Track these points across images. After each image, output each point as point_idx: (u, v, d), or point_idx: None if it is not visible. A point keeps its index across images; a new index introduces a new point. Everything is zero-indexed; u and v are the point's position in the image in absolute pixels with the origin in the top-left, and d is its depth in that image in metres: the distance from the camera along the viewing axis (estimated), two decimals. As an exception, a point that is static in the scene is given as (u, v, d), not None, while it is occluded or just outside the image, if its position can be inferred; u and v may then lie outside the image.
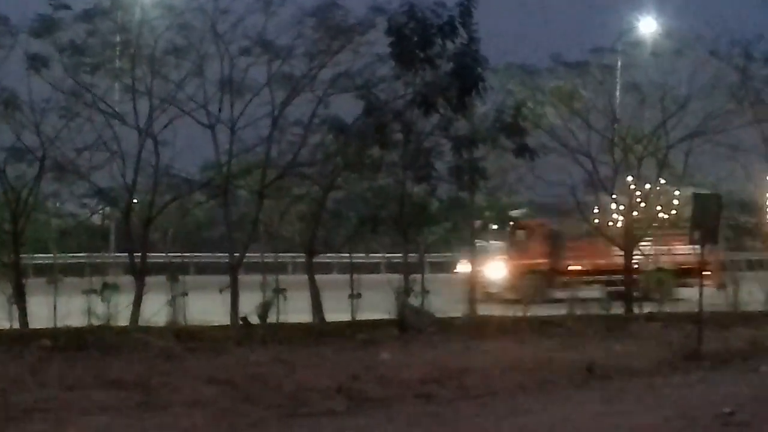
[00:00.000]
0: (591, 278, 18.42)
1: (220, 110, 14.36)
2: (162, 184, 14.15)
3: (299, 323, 14.62)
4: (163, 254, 16.44)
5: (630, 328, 15.21)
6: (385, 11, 14.91)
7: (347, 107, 14.92)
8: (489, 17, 15.69)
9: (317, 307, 15.03)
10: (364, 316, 15.30)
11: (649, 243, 18.16)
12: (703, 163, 18.50)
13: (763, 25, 18.50)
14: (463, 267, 18.01)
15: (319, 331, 14.21)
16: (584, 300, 16.58)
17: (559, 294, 17.82)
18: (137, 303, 13.80)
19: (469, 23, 15.25)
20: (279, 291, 14.47)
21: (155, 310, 13.81)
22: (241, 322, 14.06)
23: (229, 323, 13.98)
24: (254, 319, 14.31)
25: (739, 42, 18.09)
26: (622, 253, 17.61)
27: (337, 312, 15.32)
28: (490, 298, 17.97)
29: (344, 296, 15.45)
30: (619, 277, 17.68)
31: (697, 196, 13.35)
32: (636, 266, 17.91)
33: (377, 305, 15.09)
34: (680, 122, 17.94)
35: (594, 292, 17.82)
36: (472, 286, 16.41)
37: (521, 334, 14.19)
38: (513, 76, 17.35)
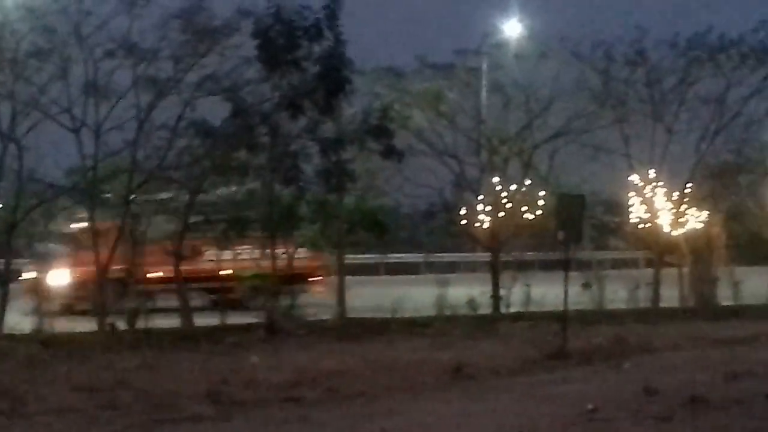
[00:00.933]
0: (181, 285, 18.43)
1: (84, 114, 16.74)
2: (26, 189, 16.35)
3: (168, 328, 17.42)
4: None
5: (498, 328, 18.66)
6: (251, 14, 17.96)
7: (214, 110, 17.75)
8: (355, 20, 19.11)
9: (186, 311, 17.76)
10: (233, 319, 18.11)
11: (248, 247, 19.95)
12: (568, 163, 22.56)
13: (624, 27, 22.93)
14: (29, 274, 18.97)
15: (188, 336, 17.02)
16: (166, 310, 18.30)
17: (141, 303, 17.99)
18: (1, 311, 16.02)
19: (335, 26, 18.52)
20: (148, 296, 17.04)
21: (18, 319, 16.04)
22: (108, 328, 16.55)
23: (96, 329, 16.47)
24: (122, 325, 16.85)
25: (601, 44, 22.37)
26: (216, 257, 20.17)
27: (206, 316, 18.05)
28: (68, 308, 18.73)
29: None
30: (213, 284, 19.72)
31: (560, 197, 16.79)
32: (230, 272, 20.22)
33: (244, 309, 17.97)
34: (545, 123, 22.04)
35: (195, 299, 19.40)
36: (40, 296, 17.56)
37: (390, 335, 17.33)
38: (380, 79, 20.82)
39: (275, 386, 11.39)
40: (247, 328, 17.59)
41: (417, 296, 20.70)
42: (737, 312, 21.82)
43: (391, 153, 19.10)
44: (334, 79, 18.27)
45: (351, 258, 22.51)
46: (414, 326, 18.45)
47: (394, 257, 28.25)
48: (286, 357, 14.18)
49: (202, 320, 18.29)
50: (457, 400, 10.62)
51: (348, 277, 20.66)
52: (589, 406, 9.41)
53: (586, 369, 13.27)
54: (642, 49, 22.73)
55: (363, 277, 25.08)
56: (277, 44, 18.05)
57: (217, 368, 12.79)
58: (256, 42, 17.97)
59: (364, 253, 25.45)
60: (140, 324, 17.28)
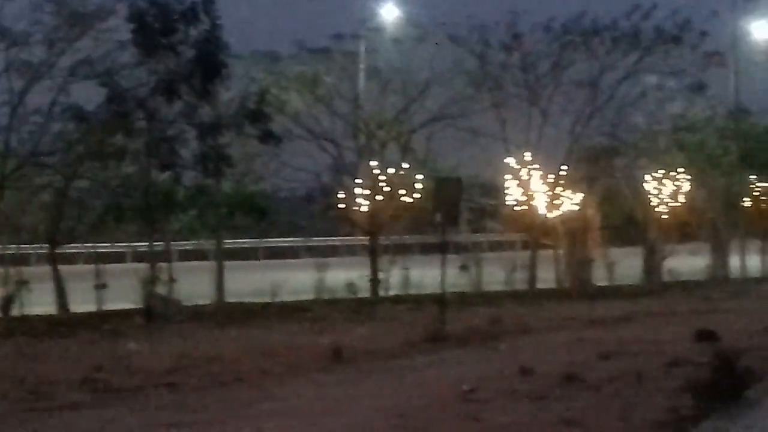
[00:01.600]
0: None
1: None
2: None
3: (43, 315, 19.64)
4: None
5: (377, 311, 20.86)
6: (126, -3, 20.10)
7: (90, 95, 19.95)
8: (232, 4, 21.52)
9: (62, 298, 20.03)
10: (110, 306, 20.41)
11: None
12: (446, 147, 25.81)
13: (500, 12, 26.27)
14: None
15: (64, 323, 19.04)
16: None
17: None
18: None
19: (211, 10, 21.10)
20: (22, 283, 19.13)
21: None
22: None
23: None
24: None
25: (477, 28, 25.68)
26: None
27: (82, 303, 20.26)
28: None
29: (90, 287, 20.39)
30: None
31: (438, 180, 19.50)
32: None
33: (125, 295, 20.30)
34: (422, 107, 25.20)
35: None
36: None
37: (269, 319, 19.64)
38: (257, 63, 23.52)
39: (153, 373, 12.38)
40: (125, 314, 19.72)
41: (296, 280, 23.35)
42: (612, 292, 25.54)
43: (268, 137, 21.76)
44: (211, 63, 20.76)
45: (230, 243, 25.01)
46: (293, 310, 20.89)
47: (274, 242, 30.92)
48: (164, 343, 15.68)
49: (79, 307, 20.41)
50: (336, 383, 11.64)
51: (227, 262, 23.13)
52: (466, 387, 10.38)
53: (464, 351, 14.76)
54: (517, 33, 26.31)
55: (242, 262, 27.57)
56: (153, 28, 20.46)
57: (94, 355, 14.00)
58: (131, 26, 20.22)
59: (242, 238, 27.98)
60: (15, 311, 19.26)
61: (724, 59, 30.25)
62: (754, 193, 32.13)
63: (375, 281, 24.39)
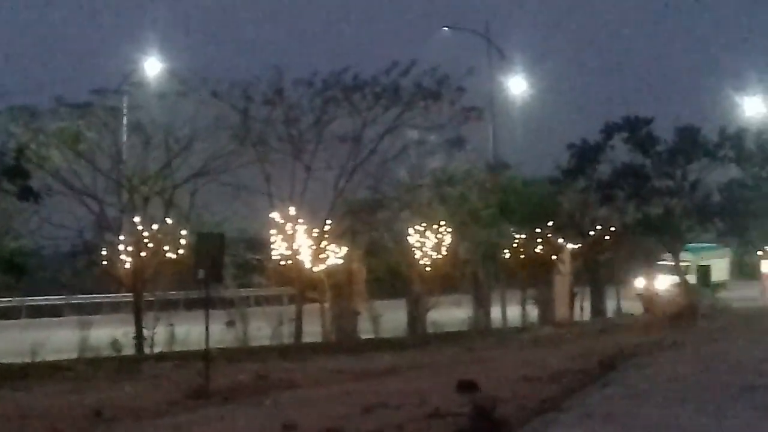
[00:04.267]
0: None
1: None
2: None
3: None
4: None
5: (141, 369, 22.45)
6: None
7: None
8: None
9: None
10: None
11: None
12: (210, 202, 29.02)
13: (262, 67, 29.87)
14: None
15: None
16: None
17: None
18: None
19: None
20: None
21: None
22: None
23: None
24: None
25: (239, 83, 29.13)
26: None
27: None
28: None
29: None
30: None
31: (200, 236, 21.78)
32: None
33: None
34: (185, 162, 28.28)
35: None
36: None
37: (28, 380, 20.39)
38: (15, 118, 25.85)
39: None
40: None
41: (59, 339, 25.37)
42: (377, 345, 28.90)
43: (27, 194, 24.09)
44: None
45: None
46: (55, 370, 22.39)
47: (36, 300, 32.68)
48: None
49: None
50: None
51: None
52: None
53: (228, 407, 15.61)
54: (280, 88, 29.97)
55: (3, 321, 29.09)
56: None
57: None
58: None
59: (3, 297, 29.82)
60: None
61: (482, 114, 35.02)
62: (514, 245, 37.39)
63: (140, 338, 27.03)
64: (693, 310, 34.62)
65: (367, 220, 32.52)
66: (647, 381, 15.85)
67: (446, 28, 42.36)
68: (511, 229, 36.97)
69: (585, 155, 40.71)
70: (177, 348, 26.57)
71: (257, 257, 31.96)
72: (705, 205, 41.52)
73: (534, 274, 38.20)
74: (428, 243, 33.01)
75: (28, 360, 24.01)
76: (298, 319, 29.87)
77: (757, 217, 42.31)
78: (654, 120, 40.79)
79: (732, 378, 15.40)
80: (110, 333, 26.00)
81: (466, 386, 15.23)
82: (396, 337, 31.08)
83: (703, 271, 42.58)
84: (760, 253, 50.22)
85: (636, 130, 40.44)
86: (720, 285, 42.37)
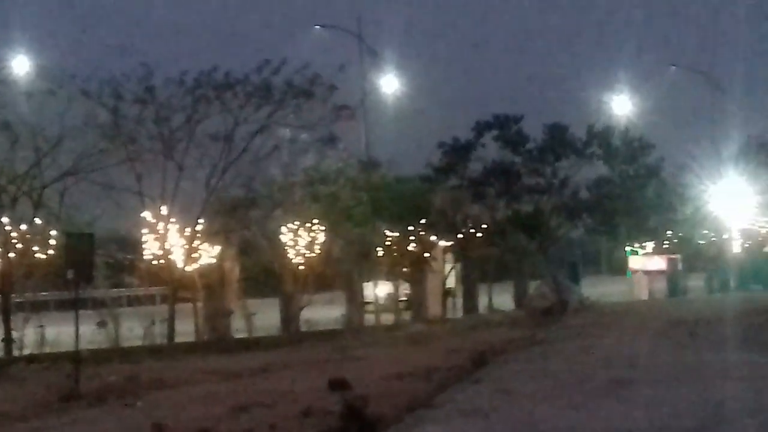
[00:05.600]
0: None
1: None
2: None
3: None
4: None
5: (10, 372, 22.98)
6: None
7: None
8: None
9: None
10: None
11: None
12: (80, 201, 29.77)
13: (132, 65, 30.77)
14: None
15: None
16: None
17: None
18: None
19: None
20: None
21: None
22: None
23: None
24: None
25: (109, 81, 29.95)
26: None
27: None
28: None
29: None
30: None
31: (69, 236, 22.26)
32: None
33: None
34: (55, 162, 28.97)
35: None
36: None
37: None
38: None
39: None
40: None
41: None
42: (251, 344, 30.07)
43: None
44: None
45: None
46: None
47: None
48: None
49: None
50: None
51: None
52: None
53: (99, 409, 16.10)
54: (151, 86, 30.86)
55: None
56: None
57: None
58: None
59: None
60: None
61: (354, 112, 36.51)
62: (386, 243, 38.99)
63: (8, 341, 27.56)
64: (563, 305, 36.58)
65: (239, 219, 33.60)
66: (517, 376, 16.76)
67: (318, 27, 43.81)
68: (384, 227, 38.50)
69: (456, 153, 42.72)
70: (47, 350, 27.06)
71: (129, 257, 32.80)
72: (574, 202, 44.01)
73: (407, 272, 39.85)
74: (301, 241, 34.23)
75: None
76: (171, 319, 30.71)
77: (624, 214, 45.01)
78: (524, 118, 43.03)
79: (601, 372, 16.44)
80: None
81: (338, 384, 16.02)
82: (269, 336, 32.16)
83: (573, 267, 44.91)
84: (628, 248, 53.13)
85: (506, 128, 42.64)
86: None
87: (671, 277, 51.24)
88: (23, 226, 28.27)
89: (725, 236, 54.24)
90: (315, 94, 33.49)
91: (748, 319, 26.82)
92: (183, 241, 31.32)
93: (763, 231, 58.93)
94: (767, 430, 11.56)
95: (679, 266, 52.88)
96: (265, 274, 35.17)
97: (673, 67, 54.75)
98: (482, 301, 43.84)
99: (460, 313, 41.67)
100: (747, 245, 58.59)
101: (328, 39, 43.32)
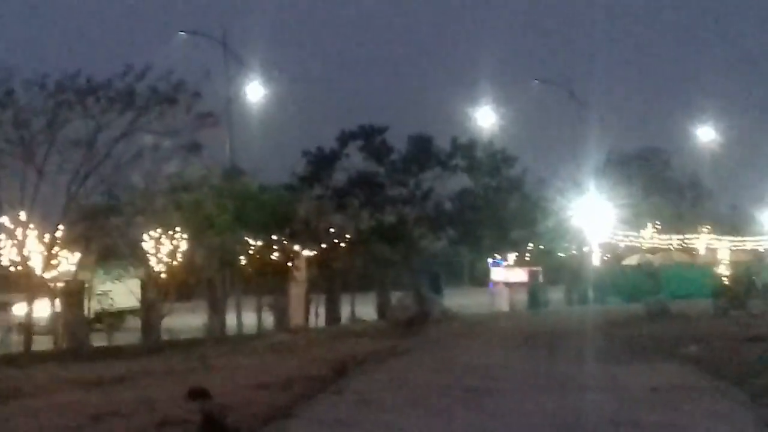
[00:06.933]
0: None
1: None
2: None
3: None
4: None
5: None
6: None
7: None
8: None
9: None
10: None
11: None
12: None
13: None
14: None
15: None
16: None
17: None
18: None
19: None
20: None
21: None
22: None
23: None
24: None
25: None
26: None
27: None
28: None
29: None
30: None
31: None
32: None
33: None
34: None
35: None
36: None
37: None
38: None
39: None
40: None
41: None
42: (111, 352, 30.63)
43: None
44: None
45: None
46: None
47: None
48: None
49: None
50: None
51: None
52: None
53: None
54: (10, 89, 31.19)
55: None
56: None
57: None
58: None
59: None
60: None
61: (217, 120, 37.31)
62: (250, 252, 40.00)
63: None
64: (425, 316, 38.13)
65: (100, 226, 34.06)
66: (378, 386, 17.56)
67: (183, 33, 44.50)
68: (247, 235, 39.48)
69: (321, 163, 44.05)
70: None
71: (-18, 264, 32.99)
72: (437, 213, 45.75)
73: (270, 281, 40.94)
74: (163, 249, 34.91)
75: None
76: (28, 327, 31.03)
77: (487, 226, 46.94)
78: (388, 129, 44.57)
79: (460, 382, 17.50)
80: None
81: (198, 394, 16.15)
82: (129, 345, 32.78)
83: (435, 279, 46.58)
84: (490, 260, 55.23)
85: (371, 138, 44.13)
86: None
87: (532, 289, 53.46)
88: None
89: (585, 249, 56.84)
90: (179, 100, 34.02)
91: (605, 331, 28.51)
92: (42, 248, 31.62)
93: (622, 244, 62.12)
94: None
95: (540, 278, 55.27)
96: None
97: (536, 82, 56.90)
98: (345, 311, 45.23)
99: (323, 323, 42.94)
100: (606, 258, 61.62)
101: (193, 46, 44.06)
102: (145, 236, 34.81)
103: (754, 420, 13.16)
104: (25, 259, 31.31)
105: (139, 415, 14.84)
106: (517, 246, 53.24)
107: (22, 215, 31.23)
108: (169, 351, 30.37)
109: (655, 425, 13.05)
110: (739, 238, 67.14)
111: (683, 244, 64.92)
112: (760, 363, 18.90)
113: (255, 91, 46.92)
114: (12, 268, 31.50)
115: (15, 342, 30.90)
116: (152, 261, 34.78)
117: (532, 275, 54.15)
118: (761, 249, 67.81)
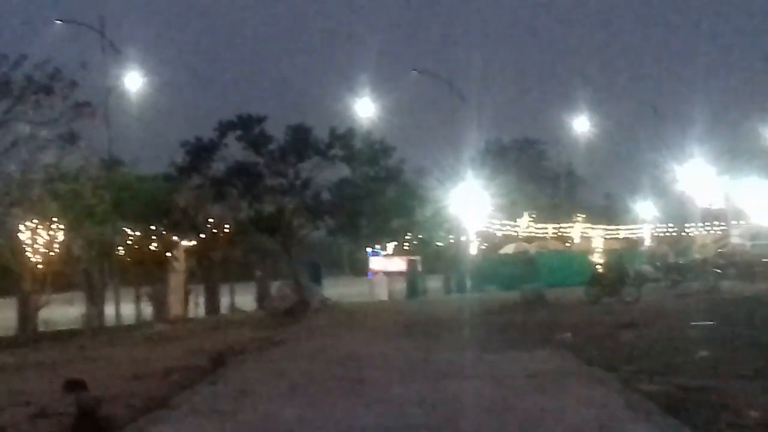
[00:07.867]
0: None
1: None
2: None
3: None
4: None
5: None
6: None
7: None
8: None
9: None
10: None
11: None
12: None
13: None
14: None
15: None
16: None
17: None
18: None
19: None
20: None
21: None
22: None
23: None
24: None
25: None
26: None
27: None
28: None
29: None
30: None
31: None
32: None
33: None
34: None
35: None
36: None
37: None
38: None
39: None
40: None
41: None
42: None
43: None
44: None
45: None
46: None
47: None
48: None
49: None
50: None
51: None
52: None
53: None
54: None
55: None
56: None
57: None
58: None
59: None
60: None
61: (95, 110, 37.63)
62: (128, 242, 40.46)
63: None
64: (304, 306, 38.97)
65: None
66: (256, 376, 17.70)
67: (59, 22, 44.46)
68: (126, 226, 39.89)
69: (199, 153, 44.55)
70: None
71: None
72: (316, 203, 46.56)
73: (149, 272, 41.45)
74: (40, 240, 35.10)
75: None
76: None
77: (366, 215, 47.98)
78: (267, 119, 45.22)
79: (338, 371, 17.79)
80: None
81: (74, 385, 16.02)
82: (5, 337, 32.91)
83: (314, 268, 47.48)
84: (369, 250, 56.41)
85: (249, 128, 44.74)
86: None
87: (410, 278, 54.66)
88: None
89: (463, 238, 58.37)
90: (55, 90, 34.45)
91: (483, 319, 29.49)
92: None
93: (499, 233, 64.00)
94: (499, 426, 12.62)
95: (419, 267, 56.54)
96: (1, 272, 35.67)
97: (415, 72, 57.98)
98: (225, 301, 45.91)
99: (202, 313, 43.54)
100: (483, 247, 63.39)
101: (70, 35, 44.09)
102: (21, 227, 35.00)
103: (624, 405, 13.80)
104: None
105: (14, 407, 14.81)
106: (396, 235, 54.28)
107: None
108: (46, 342, 30.52)
109: (530, 411, 13.45)
110: (613, 227, 69.75)
111: (558, 233, 67.13)
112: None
113: (134, 82, 47.18)
114: None
115: None
116: (28, 252, 34.95)
117: (411, 264, 55.24)
118: (634, 237, 70.60)
